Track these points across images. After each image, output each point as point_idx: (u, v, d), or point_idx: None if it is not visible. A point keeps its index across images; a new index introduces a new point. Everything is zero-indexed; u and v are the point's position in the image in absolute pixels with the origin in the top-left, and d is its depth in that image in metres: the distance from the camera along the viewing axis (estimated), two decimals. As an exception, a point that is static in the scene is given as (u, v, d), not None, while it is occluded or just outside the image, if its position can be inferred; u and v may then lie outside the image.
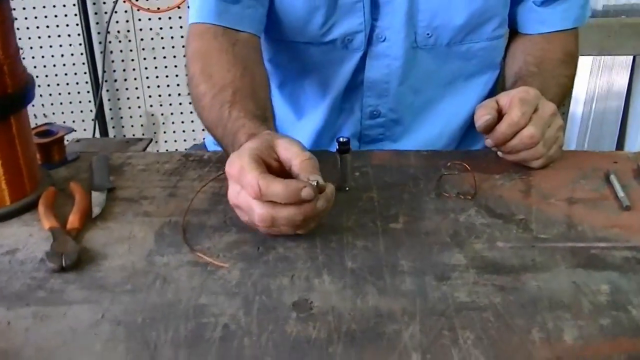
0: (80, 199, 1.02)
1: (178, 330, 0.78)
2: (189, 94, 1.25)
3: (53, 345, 0.76)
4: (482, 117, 1.06)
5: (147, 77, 2.89)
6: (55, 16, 2.77)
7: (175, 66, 2.88)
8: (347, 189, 1.05)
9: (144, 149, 1.21)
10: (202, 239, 0.95)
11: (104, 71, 2.84)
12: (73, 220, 0.97)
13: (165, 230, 0.97)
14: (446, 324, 0.78)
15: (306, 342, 0.76)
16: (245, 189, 0.88)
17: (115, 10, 2.76)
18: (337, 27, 1.26)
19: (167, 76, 2.89)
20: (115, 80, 2.90)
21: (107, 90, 2.89)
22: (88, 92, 2.85)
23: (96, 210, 1.01)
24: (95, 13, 2.79)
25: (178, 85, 2.91)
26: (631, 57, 2.54)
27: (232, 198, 0.91)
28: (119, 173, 1.13)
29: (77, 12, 2.74)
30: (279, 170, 0.92)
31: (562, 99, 1.28)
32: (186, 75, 1.24)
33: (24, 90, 1.00)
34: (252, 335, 0.77)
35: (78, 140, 1.47)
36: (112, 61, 2.87)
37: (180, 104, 2.92)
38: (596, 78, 2.57)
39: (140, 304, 0.82)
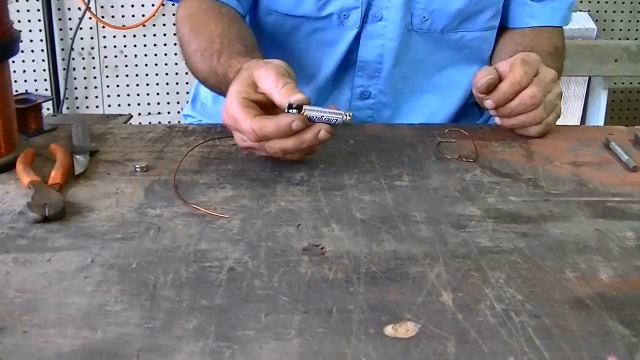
0: (62, 157, 0.91)
1: (179, 273, 0.67)
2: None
3: (38, 286, 0.65)
4: (484, 77, 1.00)
5: (109, 96, 2.77)
6: (20, 31, 2.64)
7: (137, 85, 2.77)
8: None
9: (125, 122, 1.11)
10: (195, 195, 0.84)
11: (65, 88, 2.71)
12: (55, 176, 0.86)
13: (155, 187, 0.86)
14: (472, 265, 0.69)
15: (323, 282, 0.66)
16: (245, 135, 0.88)
17: (80, 26, 2.65)
18: (333, 1, 1.19)
19: (128, 95, 2.78)
20: (77, 98, 2.77)
21: (68, 108, 2.76)
22: (48, 109, 2.71)
23: (78, 169, 0.90)
24: (60, 29, 2.67)
25: (139, 104, 2.79)
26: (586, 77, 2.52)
27: (240, 143, 0.92)
28: (101, 140, 1.02)
29: (42, 28, 2.62)
30: (267, 100, 0.90)
31: None
32: (175, 43, 1.17)
33: (9, 41, 0.90)
34: (263, 276, 0.67)
35: (54, 115, 1.34)
36: (75, 78, 2.74)
37: (140, 123, 2.80)
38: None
39: (134, 249, 0.71)
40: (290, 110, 0.86)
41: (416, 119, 1.25)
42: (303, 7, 1.19)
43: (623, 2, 2.75)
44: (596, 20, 2.66)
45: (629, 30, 2.78)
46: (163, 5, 2.62)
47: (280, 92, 0.88)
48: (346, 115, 0.87)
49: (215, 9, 1.16)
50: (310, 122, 0.86)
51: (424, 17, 1.20)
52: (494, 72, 1.01)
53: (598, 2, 2.72)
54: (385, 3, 1.18)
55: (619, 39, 2.75)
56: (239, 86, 0.91)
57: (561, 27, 1.31)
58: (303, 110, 0.86)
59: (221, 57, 1.05)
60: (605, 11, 2.74)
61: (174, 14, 1.27)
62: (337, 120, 0.87)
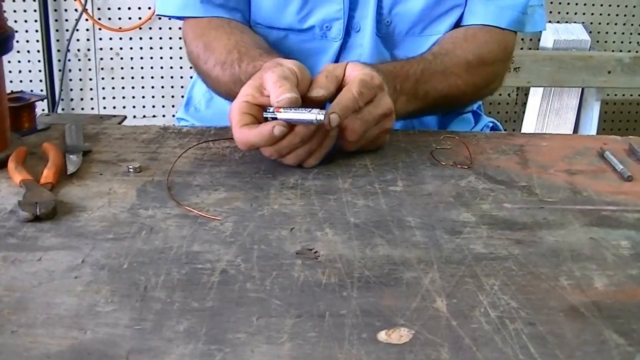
0: (55, 156, 0.89)
1: (170, 274, 0.66)
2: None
3: (27, 285, 0.63)
4: (316, 91, 0.93)
5: (104, 98, 2.76)
6: (16, 32, 2.63)
7: (132, 87, 2.76)
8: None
9: (119, 123, 1.10)
10: (189, 196, 0.83)
11: (61, 89, 2.69)
12: (47, 175, 0.85)
13: (148, 188, 0.85)
14: (467, 271, 0.68)
15: (316, 286, 0.64)
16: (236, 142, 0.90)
17: (76, 28, 2.63)
18: (314, 13, 1.18)
19: (123, 97, 2.76)
20: (72, 99, 2.76)
21: (63, 109, 2.74)
22: (43, 109, 2.70)
23: (71, 169, 0.89)
24: (57, 30, 2.66)
25: (134, 107, 2.78)
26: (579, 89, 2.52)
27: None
28: (95, 140, 1.01)
29: (39, 28, 2.60)
30: None
31: (447, 100, 1.14)
32: (170, 47, 1.16)
33: (2, 38, 0.89)
34: (255, 279, 0.65)
35: (48, 114, 1.33)
36: (70, 79, 2.73)
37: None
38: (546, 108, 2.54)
39: (125, 250, 0.70)
40: (267, 116, 0.88)
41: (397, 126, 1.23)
42: (284, 20, 1.18)
43: (617, 15, 2.75)
44: (590, 32, 2.66)
45: (622, 42, 2.79)
46: (160, 9, 2.61)
47: (274, 95, 0.87)
48: (319, 114, 0.85)
49: (223, 25, 1.16)
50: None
51: (387, 22, 1.18)
52: (330, 87, 0.93)
53: (592, 14, 2.73)
54: (364, 13, 1.17)
55: (613, 50, 2.76)
56: (247, 88, 0.91)
57: (513, 31, 1.20)
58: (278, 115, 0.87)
59: (242, 64, 1.05)
60: (600, 23, 2.75)
61: (170, 18, 1.26)
62: (312, 121, 0.86)
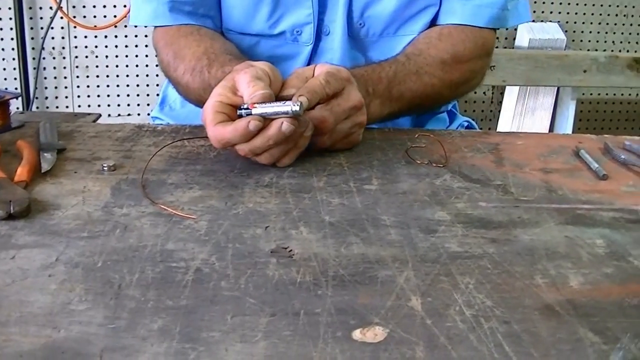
0: (29, 154, 0.89)
1: (144, 272, 0.65)
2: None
3: (0, 283, 0.63)
4: (289, 90, 0.93)
5: (79, 96, 2.74)
6: (-11, 29, 2.61)
7: (108, 86, 2.74)
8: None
9: (94, 121, 1.09)
10: (163, 194, 0.83)
11: (35, 87, 2.67)
12: (21, 173, 0.84)
13: (123, 186, 0.85)
14: (442, 270, 0.68)
15: (291, 285, 0.64)
16: (210, 140, 0.90)
17: (51, 26, 2.61)
18: (284, 19, 1.18)
19: (98, 95, 2.75)
20: (47, 98, 2.73)
21: (37, 107, 2.72)
22: (17, 107, 2.68)
23: (45, 167, 0.88)
24: (31, 28, 2.63)
25: (109, 105, 2.76)
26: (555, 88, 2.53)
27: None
28: (69, 138, 1.00)
29: (13, 26, 2.58)
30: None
31: (423, 100, 1.13)
32: (146, 45, 1.16)
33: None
34: (229, 278, 0.65)
35: (22, 112, 1.31)
36: (45, 77, 2.70)
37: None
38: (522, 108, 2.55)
39: (99, 248, 0.70)
40: (241, 112, 0.87)
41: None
42: (255, 26, 1.19)
43: (593, 14, 2.78)
44: (566, 31, 2.68)
45: (597, 41, 2.81)
46: (136, 6, 2.60)
47: (248, 93, 0.88)
48: (295, 105, 0.85)
49: (193, 32, 1.16)
50: (267, 119, 0.86)
51: (360, 24, 1.18)
52: (301, 86, 0.92)
53: (568, 13, 2.75)
54: (333, 17, 1.18)
55: (588, 50, 2.78)
56: (220, 88, 0.91)
57: (491, 29, 1.20)
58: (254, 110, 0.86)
59: (212, 70, 1.05)
60: (575, 22, 2.77)
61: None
62: (287, 112, 0.86)
